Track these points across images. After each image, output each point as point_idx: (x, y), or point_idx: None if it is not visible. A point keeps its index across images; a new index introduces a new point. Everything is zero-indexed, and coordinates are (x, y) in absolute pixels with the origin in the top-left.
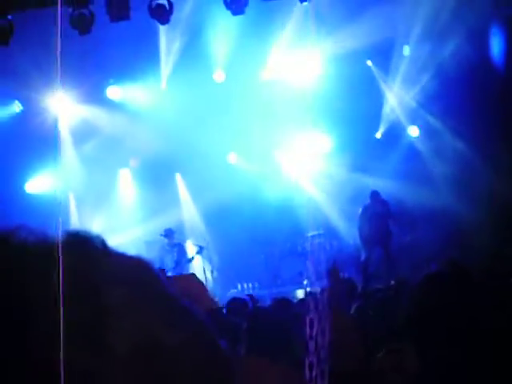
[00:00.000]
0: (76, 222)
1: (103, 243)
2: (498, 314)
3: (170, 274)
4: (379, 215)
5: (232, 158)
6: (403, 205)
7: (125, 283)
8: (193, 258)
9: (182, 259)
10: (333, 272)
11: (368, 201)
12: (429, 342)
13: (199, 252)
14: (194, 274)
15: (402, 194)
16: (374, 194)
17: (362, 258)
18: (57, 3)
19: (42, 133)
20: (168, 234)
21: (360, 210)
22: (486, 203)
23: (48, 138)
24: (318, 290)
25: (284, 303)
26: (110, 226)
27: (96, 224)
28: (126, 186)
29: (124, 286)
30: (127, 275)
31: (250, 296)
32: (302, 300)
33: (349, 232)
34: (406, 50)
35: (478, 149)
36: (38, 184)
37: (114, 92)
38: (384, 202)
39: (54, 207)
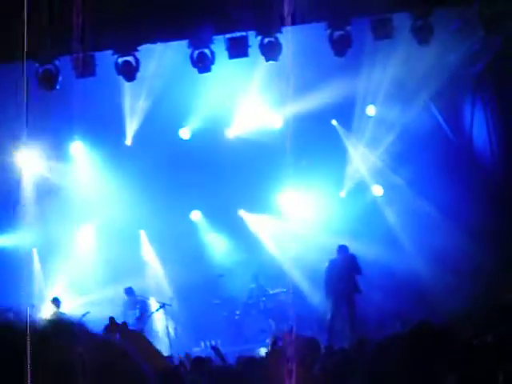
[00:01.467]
0: (40, 278)
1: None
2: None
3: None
4: (346, 270)
5: (195, 216)
6: (368, 265)
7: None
8: (152, 313)
9: (144, 316)
10: (288, 335)
11: (335, 255)
12: None
13: (160, 307)
14: (141, 333)
15: (364, 253)
16: (343, 249)
17: (328, 316)
18: (22, 58)
19: (5, 187)
20: (129, 292)
21: (327, 263)
22: (450, 265)
23: (11, 192)
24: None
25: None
26: (74, 283)
27: (59, 281)
28: (89, 242)
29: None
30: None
31: (215, 349)
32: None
33: (313, 291)
34: (372, 111)
35: (444, 210)
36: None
37: (78, 148)
38: (352, 257)
39: (17, 263)
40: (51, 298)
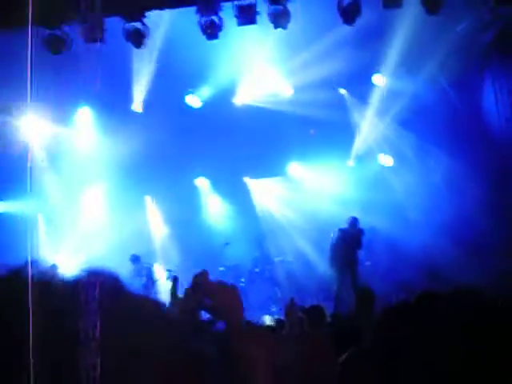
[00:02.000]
0: (45, 243)
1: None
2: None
3: None
4: (351, 242)
5: (200, 182)
6: (374, 235)
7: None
8: (158, 280)
9: (150, 282)
10: (290, 310)
11: (345, 226)
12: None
13: (168, 277)
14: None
15: (370, 223)
16: (353, 221)
17: (335, 285)
18: (29, 24)
19: (10, 151)
20: (134, 259)
21: (335, 233)
22: (457, 235)
23: (17, 156)
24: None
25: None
26: (79, 248)
27: (65, 246)
28: (95, 207)
29: None
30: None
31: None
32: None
33: (319, 259)
34: (380, 80)
35: (452, 182)
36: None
37: (85, 113)
38: (359, 232)
39: (23, 227)
40: (50, 264)
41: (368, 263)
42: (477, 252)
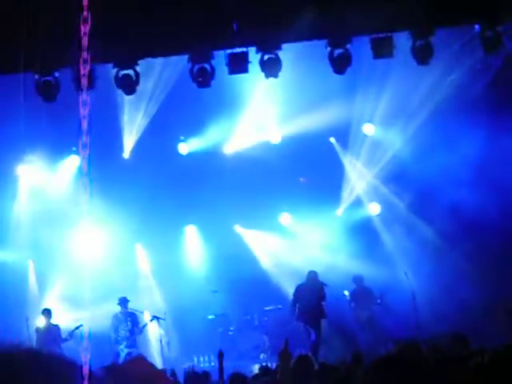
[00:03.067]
0: (35, 290)
1: None
2: None
3: (124, 343)
4: (316, 296)
5: (190, 230)
6: (362, 282)
7: None
8: (145, 325)
9: (135, 328)
10: (284, 353)
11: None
12: None
13: (152, 320)
14: (142, 356)
15: (358, 270)
16: (313, 274)
17: (312, 337)
18: (22, 70)
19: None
20: (122, 302)
21: (297, 286)
22: (445, 279)
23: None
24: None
25: (239, 379)
26: (68, 295)
27: (54, 293)
28: (84, 254)
29: None
30: None
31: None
32: (255, 376)
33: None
34: (369, 129)
35: (443, 233)
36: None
37: (73, 161)
38: (322, 285)
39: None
40: (42, 309)
41: (366, 314)
42: (468, 305)
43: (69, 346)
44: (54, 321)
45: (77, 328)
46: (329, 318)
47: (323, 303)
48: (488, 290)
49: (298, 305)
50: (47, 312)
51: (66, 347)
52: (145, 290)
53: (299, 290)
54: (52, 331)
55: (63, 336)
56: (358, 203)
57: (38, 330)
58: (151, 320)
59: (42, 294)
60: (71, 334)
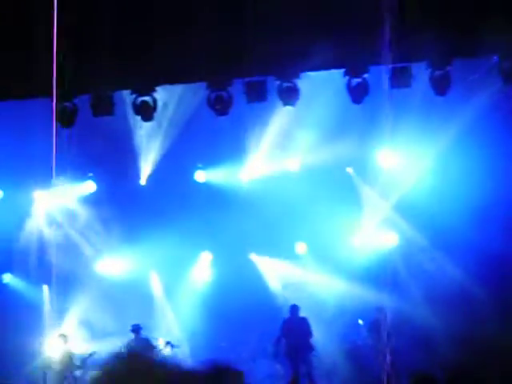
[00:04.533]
0: (50, 315)
1: None
2: None
3: None
4: (301, 331)
5: (206, 257)
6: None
7: None
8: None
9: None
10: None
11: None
12: None
13: (166, 346)
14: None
15: (373, 300)
16: (295, 309)
17: (291, 371)
18: (43, 96)
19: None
20: (135, 329)
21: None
22: (458, 317)
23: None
24: None
25: None
26: (84, 321)
27: (70, 319)
28: (100, 280)
29: None
30: None
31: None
32: None
33: (321, 337)
34: (385, 159)
35: (462, 267)
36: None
37: (89, 186)
38: (305, 319)
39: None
40: (58, 334)
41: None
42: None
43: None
44: (68, 347)
45: (90, 355)
46: (343, 347)
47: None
48: None
49: (284, 341)
50: (63, 337)
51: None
52: (159, 317)
53: (286, 325)
54: (66, 357)
55: (76, 363)
56: (375, 233)
57: (52, 355)
58: (165, 345)
59: (58, 319)
60: (84, 360)
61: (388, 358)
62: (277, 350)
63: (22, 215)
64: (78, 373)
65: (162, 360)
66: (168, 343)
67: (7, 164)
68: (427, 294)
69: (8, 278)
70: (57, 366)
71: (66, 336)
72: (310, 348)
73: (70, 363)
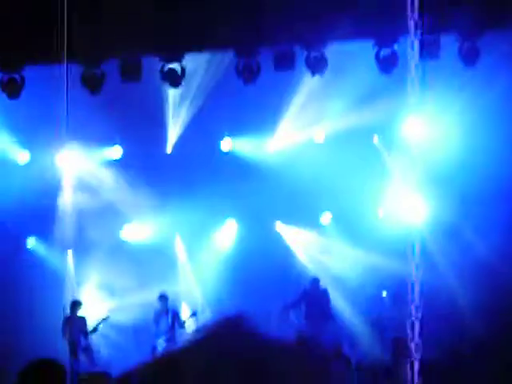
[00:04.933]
0: (72, 280)
1: None
2: None
3: (163, 338)
4: (321, 302)
5: (230, 225)
6: (399, 284)
7: None
8: (184, 322)
9: (176, 324)
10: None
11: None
12: None
13: (192, 316)
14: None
15: (397, 272)
16: (315, 281)
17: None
18: (70, 61)
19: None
20: (162, 298)
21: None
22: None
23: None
24: None
25: None
26: (104, 284)
27: (91, 282)
28: (123, 245)
29: None
30: None
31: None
32: None
33: (347, 309)
34: (412, 129)
35: (489, 241)
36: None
37: (115, 152)
38: (325, 291)
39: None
40: (76, 300)
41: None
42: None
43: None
44: (82, 312)
45: (104, 320)
46: (367, 318)
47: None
48: None
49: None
50: (76, 303)
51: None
52: (183, 283)
53: (305, 295)
54: (78, 323)
55: (90, 327)
56: (401, 204)
57: (65, 320)
58: (191, 316)
59: (81, 284)
60: (98, 326)
61: (415, 329)
62: (295, 313)
63: (48, 179)
64: (92, 337)
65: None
66: (193, 313)
67: (34, 127)
68: (454, 266)
69: (32, 242)
70: (72, 331)
71: (77, 302)
72: (329, 319)
73: (84, 328)
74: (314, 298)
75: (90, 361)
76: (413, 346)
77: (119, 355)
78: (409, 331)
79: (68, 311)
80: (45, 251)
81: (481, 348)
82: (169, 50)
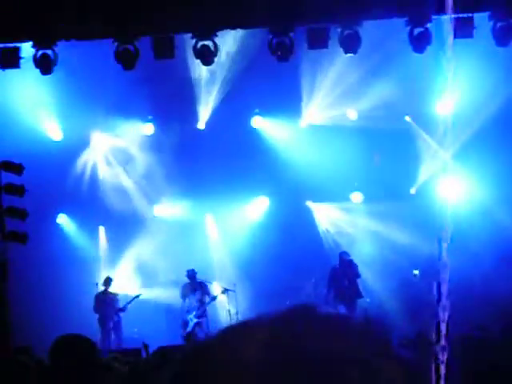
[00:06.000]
0: (105, 257)
1: None
2: None
3: (194, 313)
4: (349, 275)
5: (261, 202)
6: (427, 260)
7: None
8: (215, 297)
9: (206, 298)
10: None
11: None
12: None
13: (223, 293)
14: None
15: (426, 250)
16: (344, 255)
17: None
18: (103, 37)
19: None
20: (191, 274)
21: (331, 269)
22: None
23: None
24: None
25: None
26: (138, 263)
27: (125, 260)
28: (156, 224)
29: None
30: None
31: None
32: None
33: (376, 284)
34: (445, 108)
35: None
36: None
37: (148, 128)
38: (353, 263)
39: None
40: (106, 277)
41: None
42: None
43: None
44: (113, 289)
45: (136, 297)
46: (395, 296)
47: (358, 280)
48: None
49: (333, 289)
50: (108, 280)
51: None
52: (215, 261)
53: (333, 272)
54: (109, 299)
55: (121, 305)
56: (432, 183)
57: (97, 297)
58: (222, 293)
59: (113, 260)
60: (129, 303)
61: (445, 310)
62: (326, 300)
63: (82, 156)
64: (121, 314)
65: None
66: (225, 289)
67: (67, 105)
68: (486, 247)
69: (63, 218)
70: (101, 309)
71: (109, 279)
72: (358, 294)
73: (113, 305)
74: (342, 271)
75: (118, 338)
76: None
77: (151, 332)
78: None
79: (101, 287)
80: (75, 228)
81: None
82: (202, 27)
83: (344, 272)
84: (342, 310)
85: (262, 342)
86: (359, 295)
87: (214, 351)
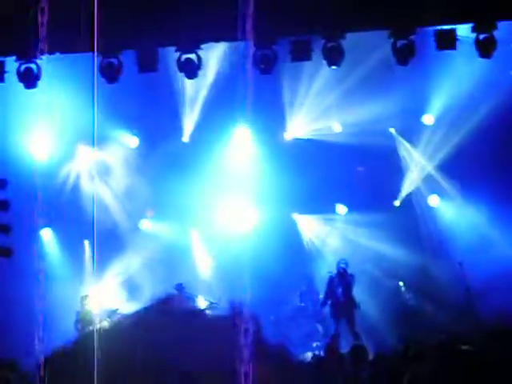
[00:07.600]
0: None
1: None
2: None
3: None
4: (346, 287)
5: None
6: (412, 273)
7: None
8: (203, 310)
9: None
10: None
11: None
12: None
13: (209, 308)
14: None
15: (411, 262)
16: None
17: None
18: (87, 50)
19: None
20: (178, 288)
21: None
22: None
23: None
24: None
25: None
26: (124, 278)
27: (109, 275)
28: (142, 238)
29: None
30: None
31: None
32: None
33: (365, 297)
34: (429, 120)
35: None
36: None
37: (133, 142)
38: (350, 275)
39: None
40: (85, 294)
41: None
42: None
43: None
44: (94, 304)
45: (113, 312)
46: (381, 307)
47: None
48: None
49: (330, 301)
50: (85, 298)
51: None
52: (200, 275)
53: (332, 282)
54: (87, 315)
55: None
56: (416, 194)
57: (78, 314)
58: (208, 306)
59: (98, 275)
60: (109, 315)
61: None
62: (321, 311)
63: (66, 170)
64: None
65: None
66: (211, 303)
67: (52, 119)
68: (469, 256)
69: (48, 233)
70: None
71: (87, 297)
72: (354, 305)
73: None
74: (339, 281)
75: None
76: None
77: None
78: None
79: (79, 305)
80: (59, 242)
81: None
82: (185, 41)
83: (339, 281)
84: (342, 323)
85: None
86: (354, 305)
87: None
